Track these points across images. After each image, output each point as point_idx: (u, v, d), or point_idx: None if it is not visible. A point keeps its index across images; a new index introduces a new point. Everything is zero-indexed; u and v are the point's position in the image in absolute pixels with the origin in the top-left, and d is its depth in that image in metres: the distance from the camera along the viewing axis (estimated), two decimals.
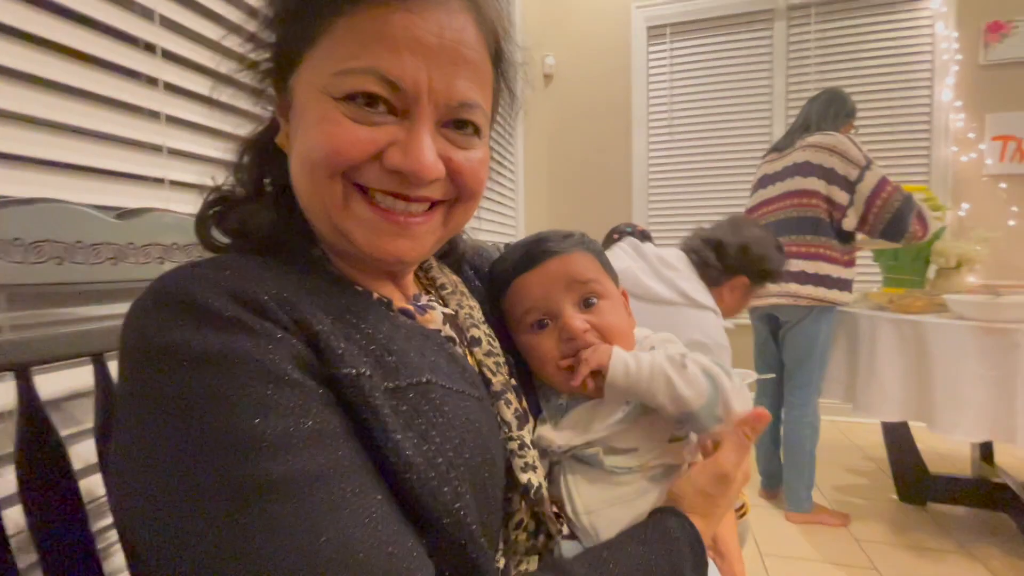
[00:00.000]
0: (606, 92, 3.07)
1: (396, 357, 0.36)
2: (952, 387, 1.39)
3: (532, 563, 0.41)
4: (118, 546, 0.55)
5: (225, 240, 0.41)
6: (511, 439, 0.42)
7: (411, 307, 0.44)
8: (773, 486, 1.97)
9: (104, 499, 0.56)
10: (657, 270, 1.16)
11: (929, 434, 2.25)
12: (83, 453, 0.55)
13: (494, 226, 2.32)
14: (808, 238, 1.70)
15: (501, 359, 0.47)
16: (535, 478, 0.41)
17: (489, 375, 0.44)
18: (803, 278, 1.69)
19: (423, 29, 0.34)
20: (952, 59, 2.58)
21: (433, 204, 0.39)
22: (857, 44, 2.72)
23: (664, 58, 2.99)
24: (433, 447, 0.34)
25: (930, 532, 1.72)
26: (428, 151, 0.35)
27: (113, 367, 0.55)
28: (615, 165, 3.07)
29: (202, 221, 0.41)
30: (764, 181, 1.88)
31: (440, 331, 0.44)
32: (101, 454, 0.52)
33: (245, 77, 0.41)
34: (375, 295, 0.42)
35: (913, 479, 1.86)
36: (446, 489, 0.33)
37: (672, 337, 0.52)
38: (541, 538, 0.42)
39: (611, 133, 3.08)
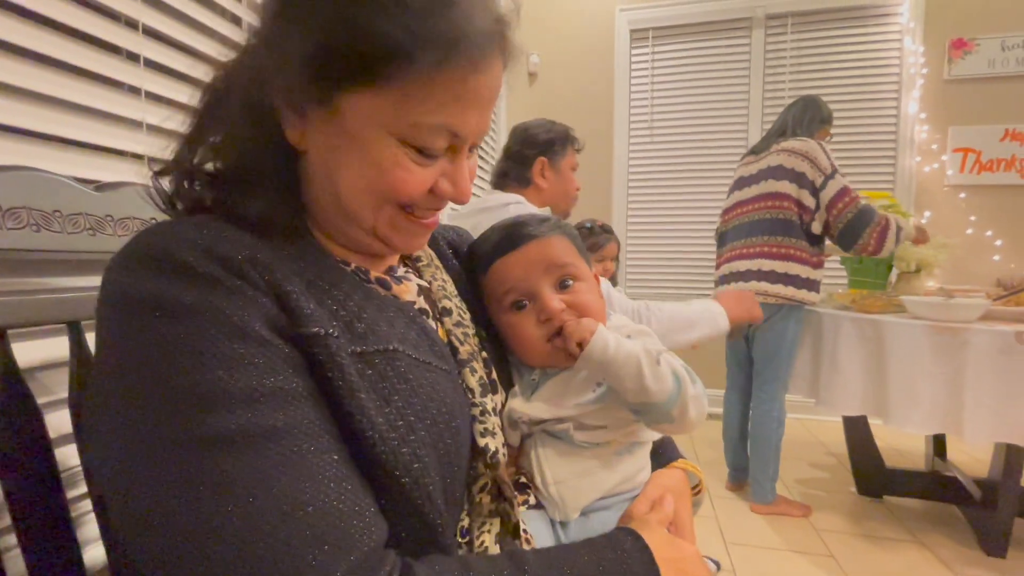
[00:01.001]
0: (589, 92, 3.12)
1: (365, 325, 0.38)
2: (906, 383, 1.46)
3: (495, 525, 0.43)
4: (91, 515, 0.56)
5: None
6: (474, 405, 0.44)
7: (387, 277, 0.46)
8: (739, 480, 2.03)
9: (77, 469, 0.56)
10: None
11: (888, 431, 2.35)
12: (56, 423, 0.55)
13: None
14: (779, 239, 1.77)
15: (470, 330, 0.49)
16: (493, 443, 0.43)
17: (457, 344, 0.47)
18: (773, 277, 1.75)
19: (484, 86, 0.38)
20: (919, 73, 2.69)
21: None
22: (831, 55, 2.82)
23: (646, 61, 3.05)
24: (395, 411, 0.36)
25: (885, 523, 1.80)
26: (468, 182, 0.42)
27: (90, 337, 0.56)
28: (596, 164, 3.12)
29: (172, 202, 0.42)
30: (740, 183, 1.94)
31: (414, 303, 0.46)
32: (75, 423, 0.53)
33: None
34: (352, 266, 0.43)
35: (871, 473, 1.95)
36: (405, 450, 0.35)
37: (648, 331, 0.55)
38: (504, 502, 0.44)
39: (593, 132, 3.12)
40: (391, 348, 0.38)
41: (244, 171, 0.39)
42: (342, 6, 0.34)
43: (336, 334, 0.35)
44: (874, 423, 1.88)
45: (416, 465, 0.35)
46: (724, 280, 1.92)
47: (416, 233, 0.43)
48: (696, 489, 0.55)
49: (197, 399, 0.29)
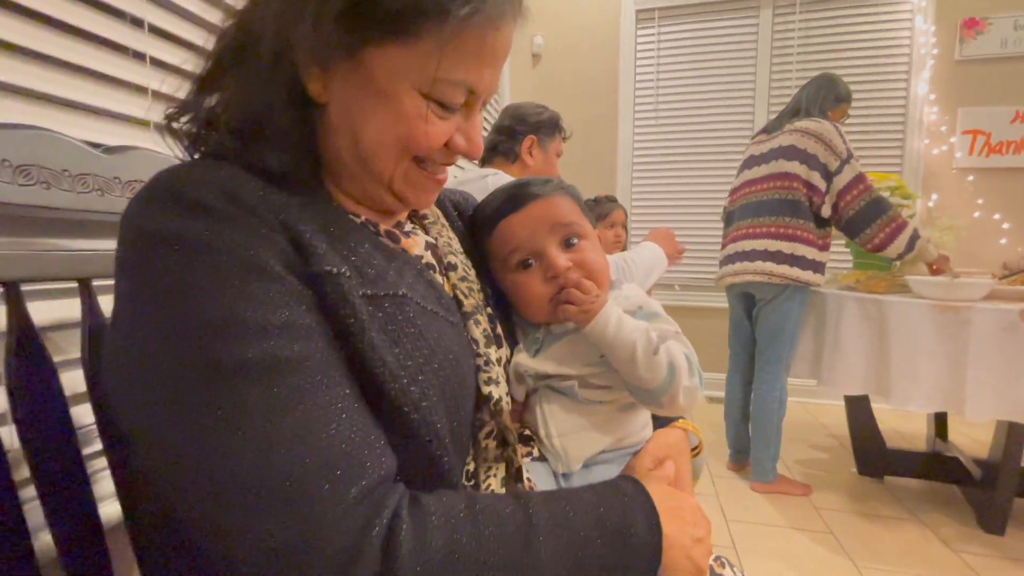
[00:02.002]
0: (594, 73, 3.08)
1: (375, 271, 0.39)
2: (909, 362, 1.47)
3: (500, 470, 0.45)
4: (105, 473, 0.57)
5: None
6: (478, 355, 0.45)
7: (396, 231, 0.47)
8: (740, 460, 2.04)
9: (92, 427, 0.57)
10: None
11: (889, 413, 2.35)
12: (69, 383, 0.56)
13: None
14: (787, 220, 1.74)
15: (475, 285, 0.50)
16: (496, 391, 0.45)
17: (462, 297, 0.48)
18: (780, 258, 1.73)
19: (501, 44, 0.40)
20: (929, 53, 2.65)
21: None
22: (839, 35, 2.78)
23: (652, 42, 3.01)
24: (404, 352, 0.37)
25: (885, 502, 1.81)
26: (480, 136, 0.44)
27: (100, 300, 0.56)
28: (601, 146, 3.10)
29: (195, 139, 0.42)
30: (750, 162, 1.90)
31: (421, 258, 0.47)
32: (88, 383, 0.54)
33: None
34: (362, 218, 0.44)
35: (871, 453, 1.96)
36: (413, 388, 0.36)
37: (659, 309, 0.55)
38: (508, 448, 0.45)
39: (598, 114, 3.10)
40: (400, 293, 0.39)
41: (262, 122, 0.39)
42: None
43: (348, 273, 0.36)
44: (877, 406, 1.89)
45: (424, 403, 0.36)
46: (729, 260, 1.90)
47: (428, 189, 0.45)
48: (696, 450, 0.56)
49: (213, 330, 0.30)
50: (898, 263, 1.93)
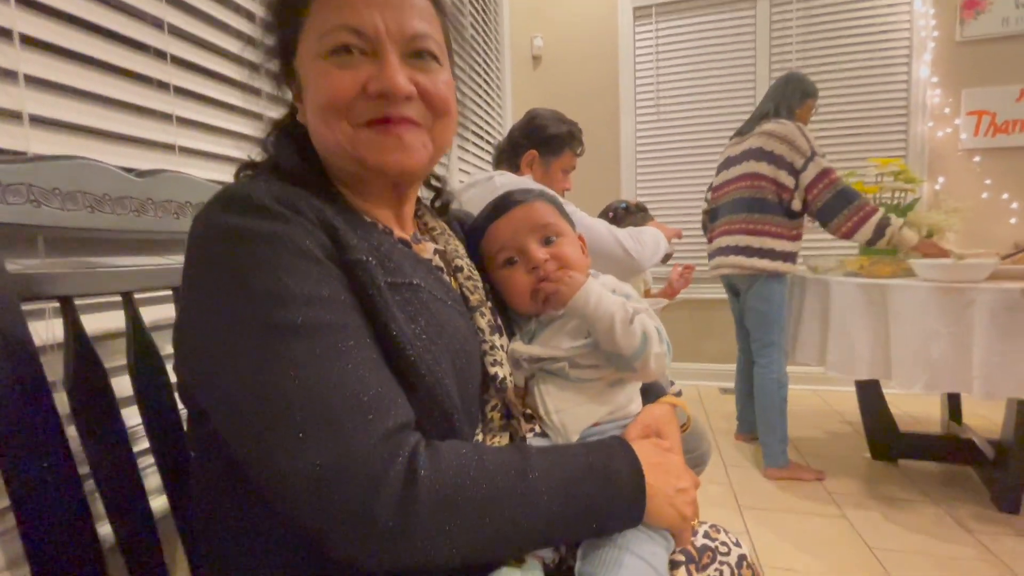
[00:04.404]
0: (594, 72, 3.12)
1: (394, 264, 0.46)
2: (915, 344, 1.48)
3: (505, 439, 0.51)
4: (152, 469, 0.63)
5: None
6: (484, 342, 0.52)
7: (408, 239, 0.53)
8: (746, 430, 2.24)
9: (139, 426, 0.63)
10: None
11: (901, 398, 2.35)
12: (115, 388, 0.62)
13: None
14: (756, 216, 1.91)
15: (479, 283, 0.57)
16: (501, 371, 0.51)
17: (468, 293, 0.54)
18: (749, 251, 1.92)
19: None
20: (929, 36, 2.65)
21: (418, 126, 0.48)
22: (838, 23, 2.78)
23: (650, 38, 3.04)
24: (419, 327, 0.44)
25: (899, 485, 1.83)
26: (397, 73, 0.45)
27: (141, 310, 0.62)
28: (604, 144, 3.13)
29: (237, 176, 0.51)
30: (727, 163, 2.06)
31: (431, 259, 0.54)
32: (134, 386, 0.59)
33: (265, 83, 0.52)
34: (381, 225, 0.51)
35: (885, 438, 1.97)
36: (427, 356, 0.43)
37: (632, 292, 0.62)
38: (512, 421, 0.52)
39: (600, 113, 3.13)
40: (415, 282, 0.46)
41: (288, 152, 0.50)
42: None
43: (374, 263, 0.43)
44: (889, 391, 1.90)
45: (437, 368, 0.43)
46: (713, 254, 2.07)
47: (386, 145, 0.46)
48: (684, 426, 0.60)
49: (271, 298, 0.37)
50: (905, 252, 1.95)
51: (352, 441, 0.36)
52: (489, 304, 0.56)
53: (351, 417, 0.36)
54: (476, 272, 0.58)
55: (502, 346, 0.53)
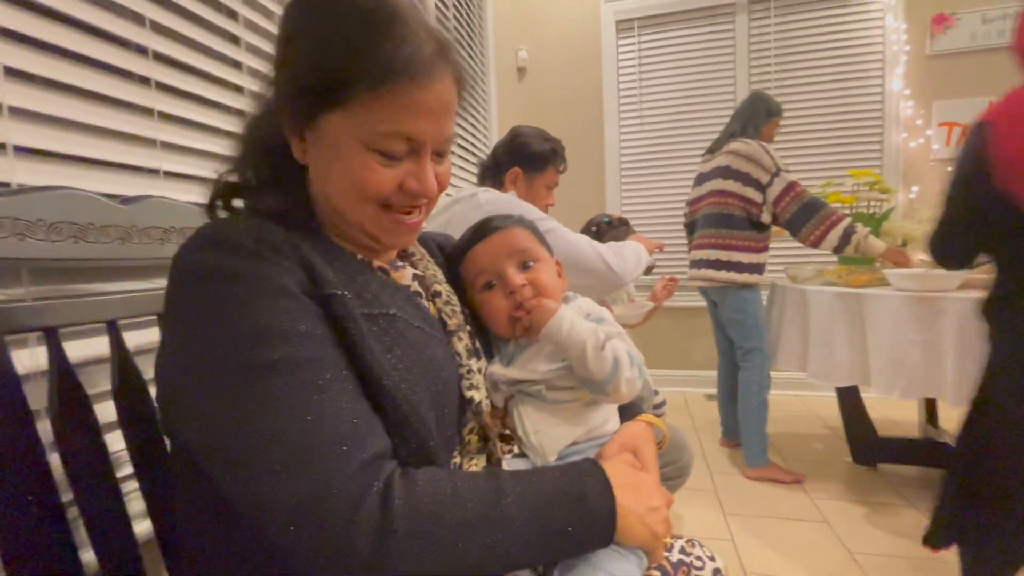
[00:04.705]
0: (578, 84, 3.17)
1: (371, 295, 0.48)
2: (890, 352, 1.53)
3: (482, 460, 0.53)
4: (136, 494, 0.63)
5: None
6: (461, 366, 0.53)
7: (387, 266, 0.55)
8: (730, 437, 2.30)
9: (123, 452, 0.63)
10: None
11: (881, 402, 2.40)
12: (100, 414, 0.62)
13: None
14: (723, 231, 2.01)
15: (457, 308, 0.58)
16: (478, 395, 0.53)
17: (446, 318, 0.56)
18: (718, 265, 2.02)
19: (430, 100, 0.46)
20: (901, 50, 2.73)
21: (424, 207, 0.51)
22: (814, 37, 2.86)
23: (633, 51, 3.10)
24: (395, 357, 0.45)
25: (880, 489, 1.87)
26: (432, 178, 0.48)
27: (125, 336, 0.63)
28: (588, 155, 3.17)
29: (211, 207, 0.51)
30: (699, 179, 2.16)
31: (409, 286, 0.55)
32: (119, 413, 0.60)
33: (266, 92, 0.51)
34: (359, 256, 0.52)
35: (864, 442, 2.01)
36: (403, 385, 0.44)
37: (607, 316, 0.64)
38: (489, 443, 0.53)
39: (584, 124, 3.18)
40: (391, 312, 0.48)
41: (270, 183, 0.51)
42: (309, 53, 0.45)
43: (350, 296, 0.45)
44: (868, 396, 1.94)
45: (413, 397, 0.44)
46: (690, 266, 2.16)
47: (399, 232, 0.50)
48: (660, 443, 0.62)
49: (249, 337, 0.39)
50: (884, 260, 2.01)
51: (329, 474, 0.37)
52: (468, 328, 0.58)
53: (328, 450, 0.37)
54: (455, 296, 0.59)
55: (479, 369, 0.55)
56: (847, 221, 1.83)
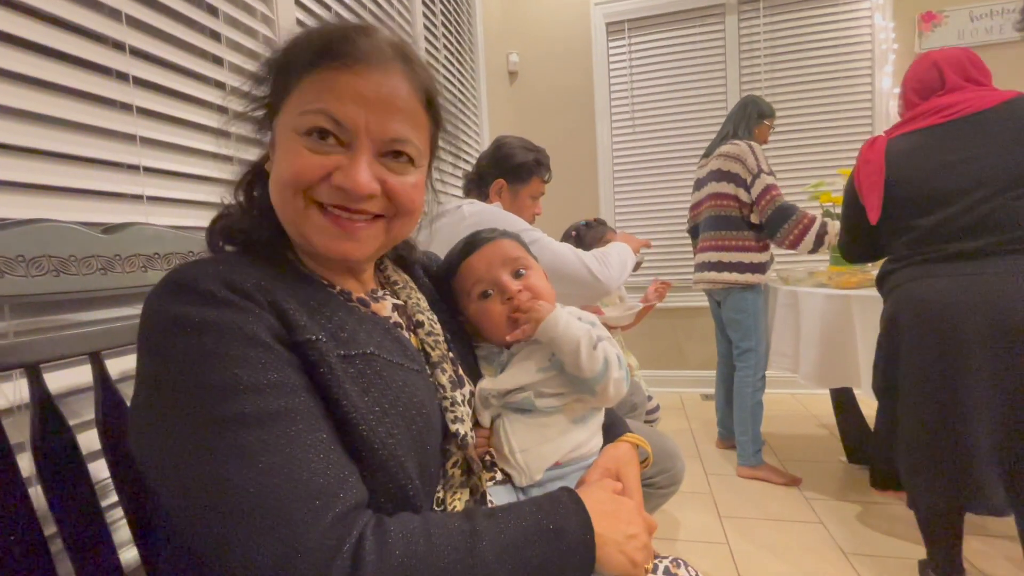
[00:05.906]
0: (569, 87, 3.17)
1: (348, 334, 0.47)
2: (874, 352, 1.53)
3: (465, 494, 0.52)
4: (122, 522, 0.63)
5: (229, 248, 0.52)
6: (445, 398, 0.53)
7: (366, 297, 0.54)
8: (727, 437, 2.30)
9: (108, 480, 0.64)
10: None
11: (875, 401, 2.40)
12: (85, 442, 0.63)
13: None
14: (723, 233, 2.05)
15: (440, 338, 0.58)
16: (462, 428, 0.52)
17: (429, 350, 0.55)
18: (720, 266, 2.05)
19: (363, 86, 0.45)
20: (890, 48, 2.74)
21: (376, 217, 0.49)
22: (803, 36, 2.87)
23: (623, 53, 3.10)
24: (372, 399, 0.44)
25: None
26: (363, 173, 0.46)
27: (109, 364, 0.63)
28: (580, 157, 3.18)
29: (210, 232, 0.52)
30: (697, 184, 2.21)
31: (389, 318, 0.55)
32: (103, 442, 0.60)
33: (245, 125, 0.53)
34: (337, 288, 0.52)
35: (859, 441, 2.02)
36: (381, 429, 0.43)
37: (596, 320, 0.65)
38: (473, 477, 0.53)
39: (575, 126, 3.18)
40: (369, 352, 0.47)
41: (250, 210, 0.53)
42: (271, 60, 0.49)
43: (325, 339, 0.44)
44: (861, 393, 1.95)
45: (390, 440, 0.44)
46: (695, 269, 2.18)
47: (335, 235, 0.47)
48: (644, 462, 0.63)
49: (218, 390, 0.38)
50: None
51: (299, 532, 0.36)
52: (451, 356, 0.57)
53: (299, 506, 0.36)
54: (437, 326, 0.59)
55: (463, 400, 0.55)
56: (818, 222, 1.88)
